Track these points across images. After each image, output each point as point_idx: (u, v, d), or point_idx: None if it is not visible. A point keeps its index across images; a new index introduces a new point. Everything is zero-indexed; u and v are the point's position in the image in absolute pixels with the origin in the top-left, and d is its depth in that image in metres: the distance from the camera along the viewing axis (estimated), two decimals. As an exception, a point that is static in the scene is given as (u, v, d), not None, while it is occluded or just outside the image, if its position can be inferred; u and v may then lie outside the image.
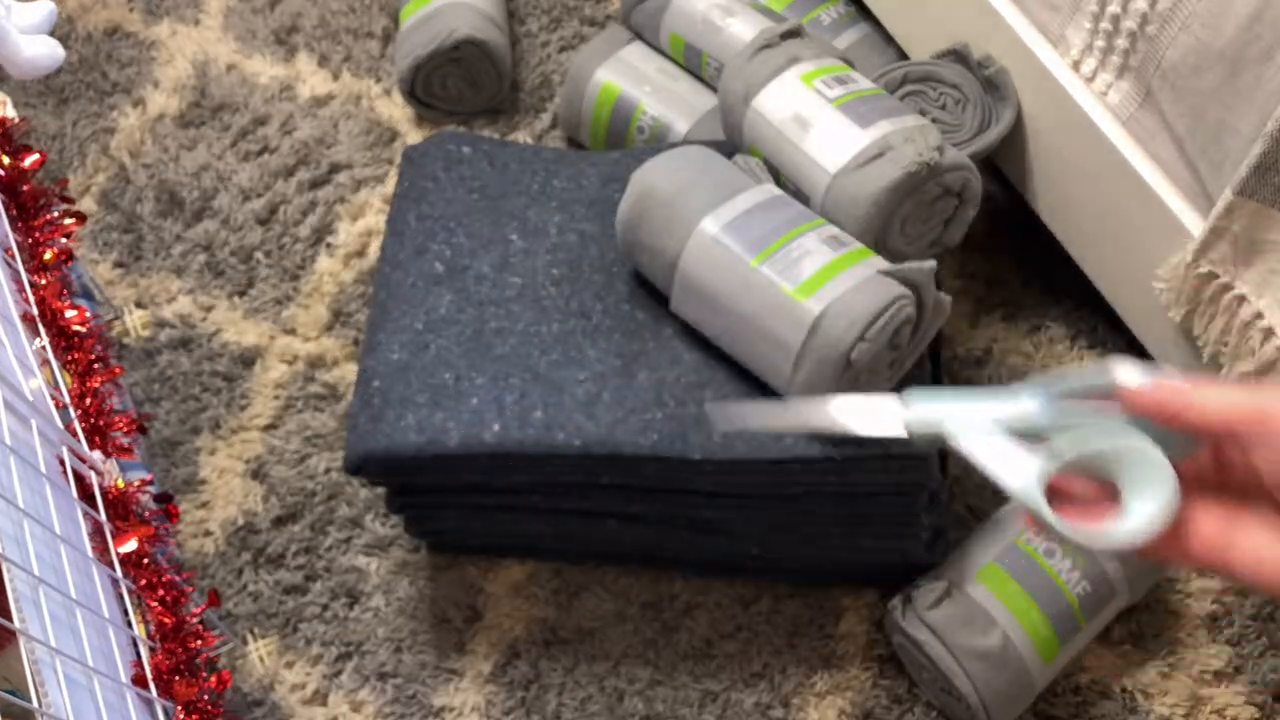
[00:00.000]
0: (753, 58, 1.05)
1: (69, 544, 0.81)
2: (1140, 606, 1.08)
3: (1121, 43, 1.00)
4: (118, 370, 0.99)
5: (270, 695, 1.08)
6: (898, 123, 1.01)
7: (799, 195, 1.02)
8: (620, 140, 1.28)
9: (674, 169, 0.99)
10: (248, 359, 1.25)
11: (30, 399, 0.85)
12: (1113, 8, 0.99)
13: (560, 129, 1.37)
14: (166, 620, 0.85)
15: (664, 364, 0.98)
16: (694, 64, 1.25)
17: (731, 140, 1.09)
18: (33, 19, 1.03)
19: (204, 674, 0.85)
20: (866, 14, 1.30)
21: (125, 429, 0.95)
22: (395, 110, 1.40)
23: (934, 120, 1.11)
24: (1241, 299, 0.96)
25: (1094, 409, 0.54)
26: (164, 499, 0.97)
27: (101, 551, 0.86)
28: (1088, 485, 0.55)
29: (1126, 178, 1.03)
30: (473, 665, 1.09)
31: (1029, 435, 0.55)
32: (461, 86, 1.37)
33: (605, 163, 1.11)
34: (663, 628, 1.09)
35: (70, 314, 0.97)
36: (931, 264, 0.93)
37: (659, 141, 1.25)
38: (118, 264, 1.31)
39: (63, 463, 0.86)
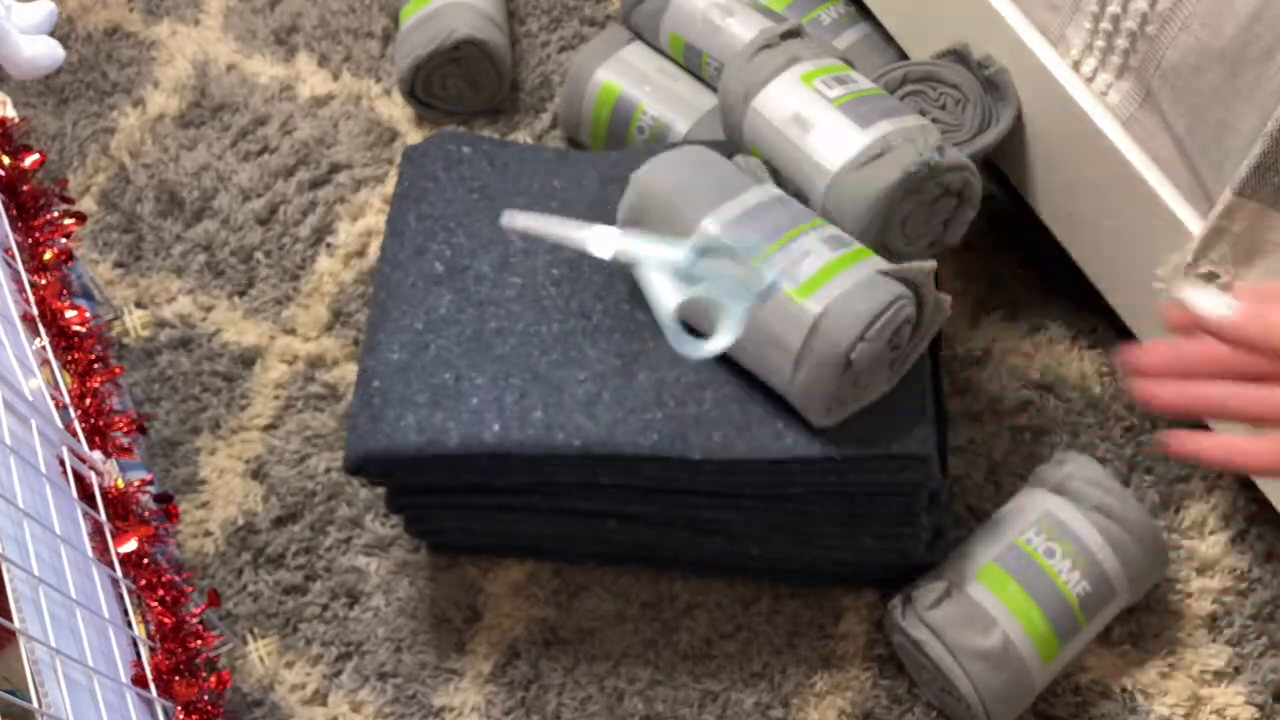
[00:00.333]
0: (753, 58, 1.05)
1: (69, 544, 0.81)
2: (1140, 606, 1.08)
3: (1121, 43, 1.00)
4: (118, 370, 0.99)
5: (270, 695, 1.08)
6: (898, 123, 1.01)
7: (799, 195, 1.02)
8: (620, 140, 1.28)
9: (674, 169, 0.99)
10: (248, 359, 1.25)
11: (30, 399, 0.85)
12: (1113, 8, 0.99)
13: (560, 129, 1.37)
14: (166, 620, 0.85)
15: (664, 364, 0.98)
16: (694, 64, 1.25)
17: (731, 140, 1.09)
18: (33, 19, 1.03)
19: (204, 674, 0.85)
20: (866, 14, 1.30)
21: (125, 429, 0.95)
22: (395, 110, 1.40)
23: (934, 120, 1.11)
24: (1241, 299, 0.96)
25: (724, 267, 0.80)
26: (164, 499, 0.97)
27: (101, 551, 0.86)
28: None
29: (1126, 178, 1.03)
30: (473, 665, 1.09)
31: (682, 276, 0.81)
32: (461, 86, 1.37)
33: (605, 163, 1.11)
34: (663, 628, 1.09)
35: (70, 314, 0.97)
36: (931, 264, 0.93)
37: (659, 141, 1.25)
38: (118, 264, 1.31)
39: (63, 463, 0.86)
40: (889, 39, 1.28)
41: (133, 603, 0.87)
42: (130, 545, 0.86)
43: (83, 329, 0.97)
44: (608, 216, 1.05)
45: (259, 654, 1.10)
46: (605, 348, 0.99)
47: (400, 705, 1.07)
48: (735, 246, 0.82)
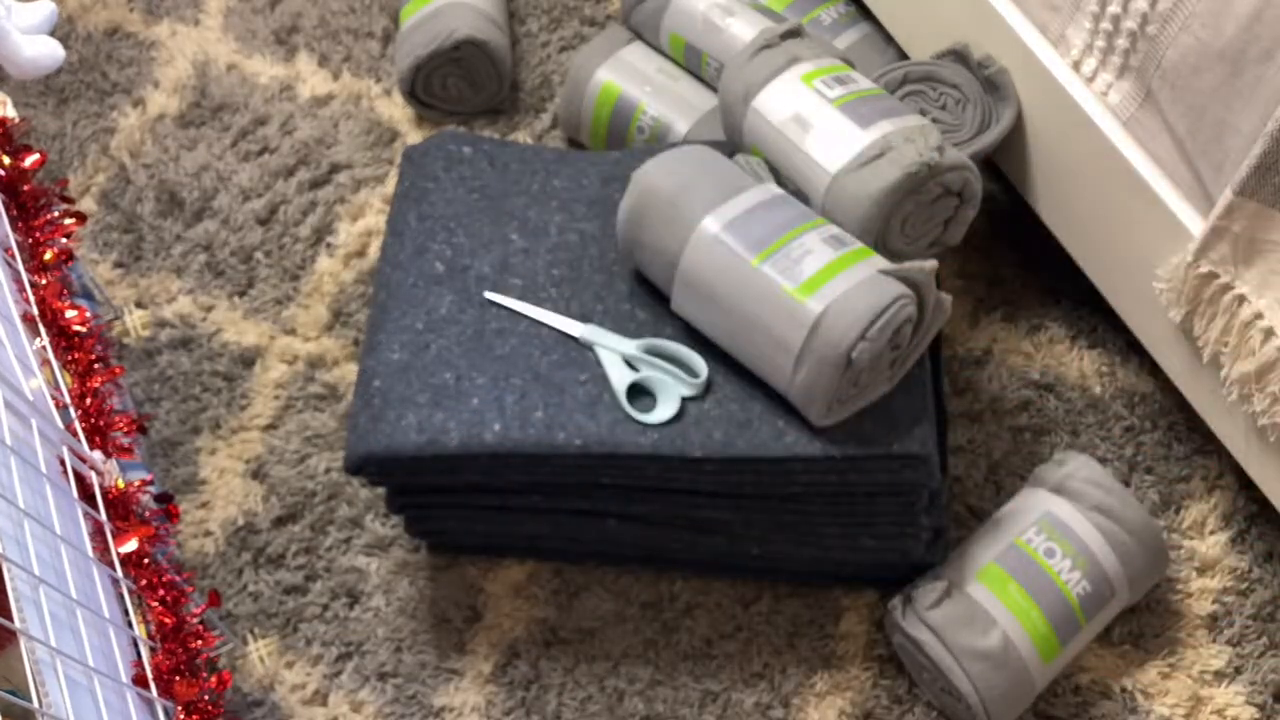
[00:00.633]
0: (753, 58, 1.05)
1: (69, 544, 0.81)
2: (1140, 606, 1.08)
3: (1122, 43, 1.00)
4: (118, 370, 0.99)
5: (270, 695, 1.08)
6: (898, 123, 1.01)
7: (799, 195, 1.02)
8: (620, 140, 1.29)
9: (675, 168, 0.99)
10: (248, 359, 1.25)
11: (30, 399, 0.85)
12: (1113, 8, 0.99)
13: (560, 129, 1.37)
14: (167, 620, 0.85)
15: (664, 364, 0.98)
16: (694, 64, 1.25)
17: (732, 140, 1.09)
18: (33, 19, 1.03)
19: (204, 674, 0.85)
20: (866, 14, 1.30)
21: (125, 429, 0.95)
22: (395, 110, 1.40)
23: (934, 120, 1.11)
24: (1241, 299, 0.96)
25: (666, 359, 0.97)
26: (164, 499, 0.97)
27: (102, 551, 0.86)
28: None
29: (1127, 178, 1.03)
30: (473, 665, 1.09)
31: (633, 361, 0.97)
32: (461, 86, 1.37)
33: (605, 163, 1.12)
34: (663, 628, 1.09)
35: (70, 314, 0.97)
36: (932, 264, 0.93)
37: (659, 141, 1.25)
38: (118, 264, 1.31)
39: (63, 463, 0.86)
40: (889, 39, 1.28)
41: (133, 603, 0.87)
42: (130, 545, 0.86)
43: (83, 329, 0.97)
44: (608, 216, 1.06)
45: (259, 654, 1.10)
46: (605, 348, 0.99)
47: (400, 705, 1.07)
48: (678, 349, 0.98)
